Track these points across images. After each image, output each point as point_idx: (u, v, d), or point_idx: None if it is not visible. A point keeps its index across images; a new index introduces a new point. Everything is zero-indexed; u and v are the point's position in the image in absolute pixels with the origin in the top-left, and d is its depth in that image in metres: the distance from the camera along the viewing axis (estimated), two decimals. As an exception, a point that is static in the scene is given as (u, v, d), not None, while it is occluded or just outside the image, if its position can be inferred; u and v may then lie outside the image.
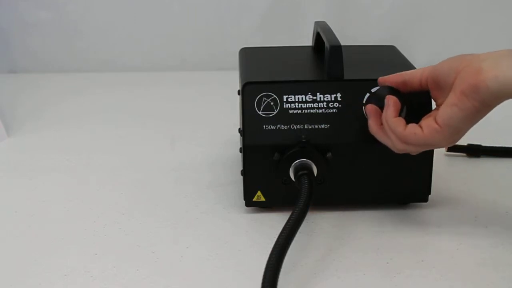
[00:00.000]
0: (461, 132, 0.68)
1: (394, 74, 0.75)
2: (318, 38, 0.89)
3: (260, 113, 0.77)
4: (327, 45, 0.78)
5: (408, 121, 0.73)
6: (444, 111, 0.67)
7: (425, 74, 0.72)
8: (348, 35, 1.35)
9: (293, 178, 0.76)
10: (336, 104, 0.77)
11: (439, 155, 0.95)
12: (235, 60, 0.93)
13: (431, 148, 0.74)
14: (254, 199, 0.79)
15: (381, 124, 0.73)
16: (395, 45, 0.95)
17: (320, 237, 0.75)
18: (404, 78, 0.74)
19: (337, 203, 0.81)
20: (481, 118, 0.67)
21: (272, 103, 0.77)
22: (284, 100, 0.77)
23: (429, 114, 0.72)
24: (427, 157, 0.78)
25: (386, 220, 0.79)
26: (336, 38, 0.80)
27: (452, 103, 0.67)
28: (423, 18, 1.44)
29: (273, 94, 0.77)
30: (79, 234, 0.77)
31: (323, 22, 0.88)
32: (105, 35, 1.45)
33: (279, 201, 0.79)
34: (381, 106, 0.74)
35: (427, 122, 0.69)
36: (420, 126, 0.70)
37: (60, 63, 1.46)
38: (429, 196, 0.80)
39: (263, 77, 0.80)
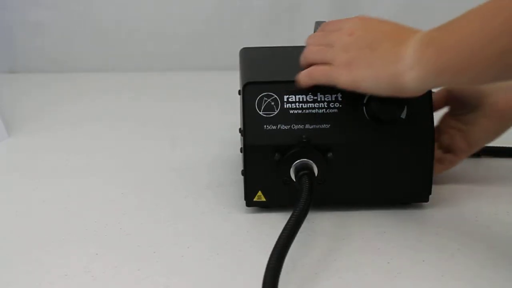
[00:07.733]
0: None
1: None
2: (318, 38, 0.88)
3: (260, 113, 0.77)
4: (327, 45, 0.78)
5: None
6: (479, 136, 0.82)
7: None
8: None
9: (293, 178, 0.76)
10: (336, 104, 0.77)
11: (440, 155, 0.95)
12: (235, 60, 0.93)
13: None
14: (255, 199, 0.79)
15: None
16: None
17: (320, 237, 0.75)
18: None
19: (337, 203, 0.81)
20: None
21: (272, 103, 0.77)
22: (285, 100, 0.77)
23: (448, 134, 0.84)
24: (427, 157, 0.78)
25: (386, 220, 0.79)
26: (337, 38, 0.80)
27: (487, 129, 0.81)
28: (423, 18, 1.44)
29: (273, 94, 0.77)
30: (80, 234, 0.77)
31: (323, 22, 0.88)
32: (105, 35, 1.45)
33: (279, 201, 0.79)
34: (382, 107, 0.75)
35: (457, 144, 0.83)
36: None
37: (60, 63, 1.46)
38: (430, 196, 0.80)
39: (264, 77, 0.80)
